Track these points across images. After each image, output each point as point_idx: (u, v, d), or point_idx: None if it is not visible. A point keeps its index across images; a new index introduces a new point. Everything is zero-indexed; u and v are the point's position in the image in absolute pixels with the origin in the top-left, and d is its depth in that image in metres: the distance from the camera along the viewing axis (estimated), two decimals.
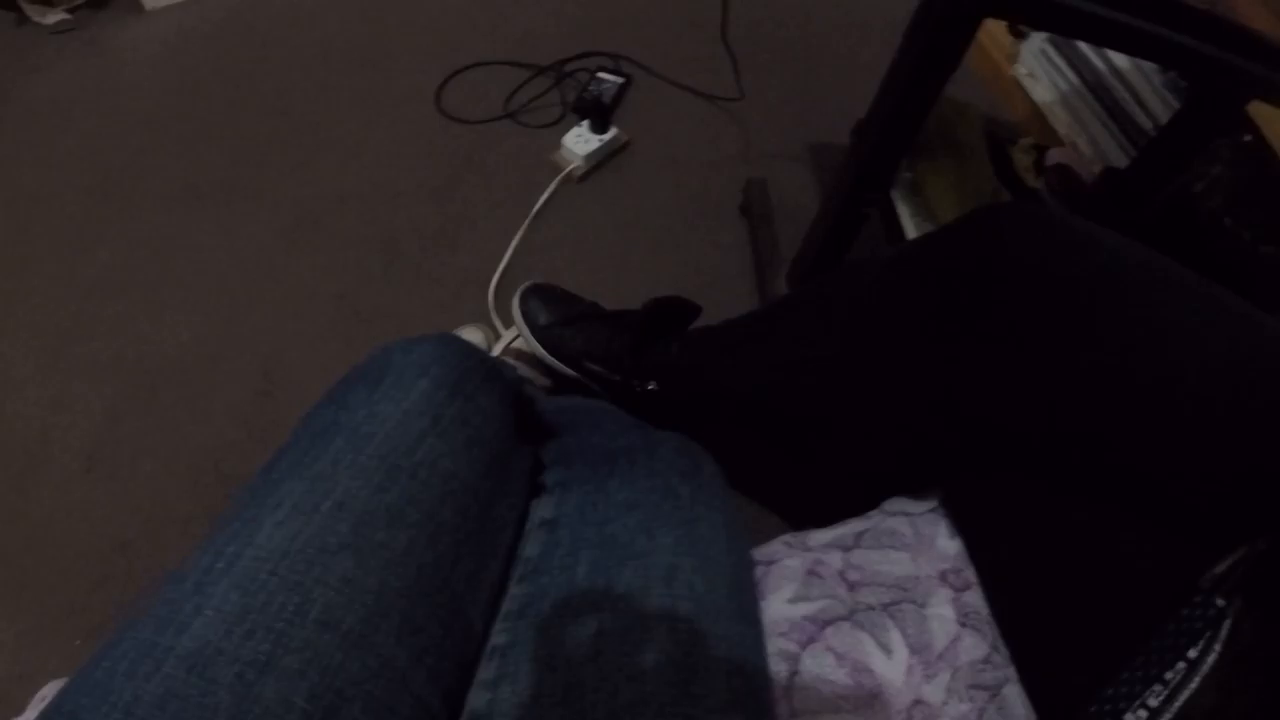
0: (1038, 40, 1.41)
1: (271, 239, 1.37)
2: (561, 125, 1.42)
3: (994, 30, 1.47)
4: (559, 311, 1.00)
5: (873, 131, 0.87)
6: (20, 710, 0.52)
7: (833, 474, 0.68)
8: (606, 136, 1.33)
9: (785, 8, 1.63)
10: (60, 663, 0.98)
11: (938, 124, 1.06)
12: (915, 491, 0.57)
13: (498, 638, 0.46)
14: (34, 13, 1.98)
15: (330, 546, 0.39)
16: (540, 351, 1.00)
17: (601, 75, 1.46)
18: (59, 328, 1.34)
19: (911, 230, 0.99)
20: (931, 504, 0.56)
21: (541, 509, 0.53)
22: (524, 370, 1.04)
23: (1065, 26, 0.80)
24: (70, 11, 1.99)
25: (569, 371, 0.99)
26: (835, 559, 0.54)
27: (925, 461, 0.57)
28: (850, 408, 0.62)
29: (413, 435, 0.45)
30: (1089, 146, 1.30)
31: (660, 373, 0.88)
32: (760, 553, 0.56)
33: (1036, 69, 1.41)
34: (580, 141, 1.32)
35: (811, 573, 0.53)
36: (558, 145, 1.34)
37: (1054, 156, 1.12)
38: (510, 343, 1.08)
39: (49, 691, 0.53)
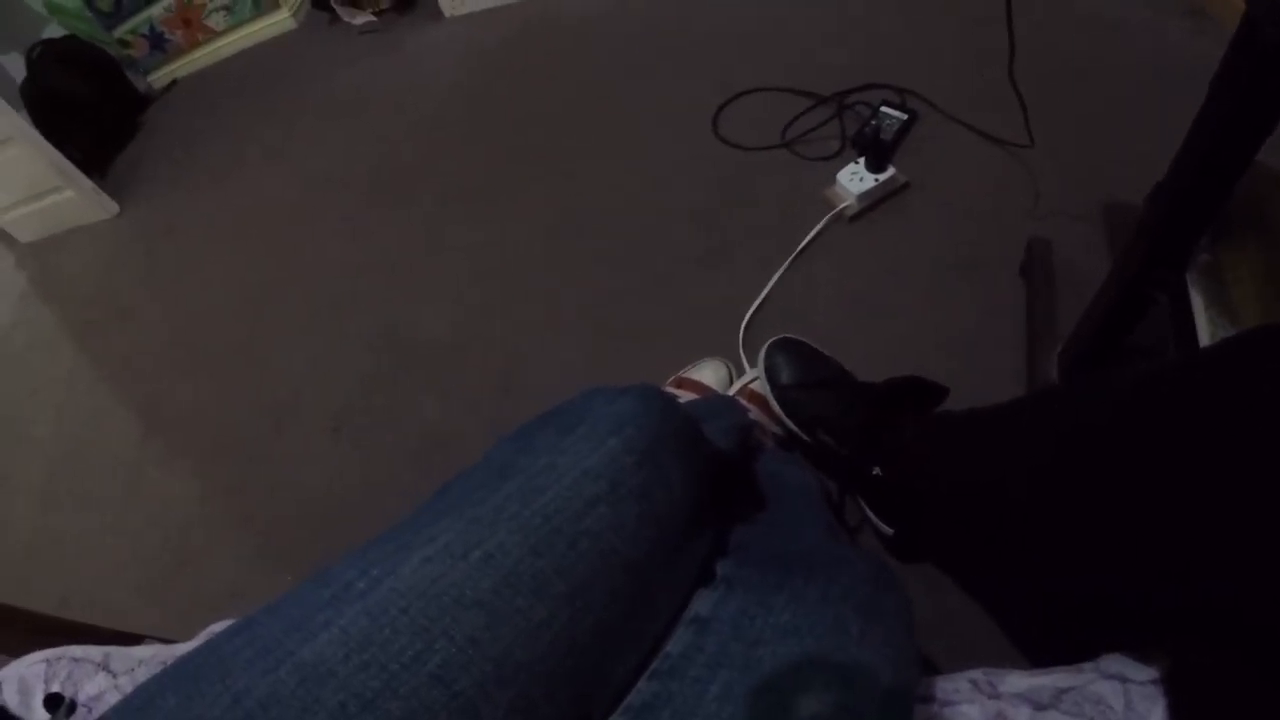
0: None
1: (534, 243, 1.42)
2: (838, 160, 1.40)
3: None
4: (802, 372, 0.99)
5: (1168, 200, 0.77)
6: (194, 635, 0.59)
7: (1055, 600, 0.63)
8: (884, 176, 1.27)
9: (1085, 46, 1.44)
10: (266, 595, 1.02)
11: (1247, 197, 0.91)
12: (1143, 653, 0.50)
13: None
14: (345, 14, 2.22)
15: (466, 600, 0.38)
16: (777, 410, 1.00)
17: (885, 110, 1.40)
18: (331, 300, 1.46)
19: (1203, 324, 0.89)
20: (1154, 674, 0.48)
21: (700, 603, 0.50)
22: (755, 414, 1.03)
23: None
24: (377, 14, 2.21)
25: (802, 435, 0.99)
26: (1023, 715, 0.47)
27: (1160, 618, 0.51)
28: (1088, 536, 0.56)
29: (584, 500, 0.43)
30: None
31: (889, 456, 0.86)
32: (942, 687, 0.51)
33: None
34: (855, 179, 1.27)
35: None
36: (832, 181, 1.31)
37: None
38: (748, 383, 1.07)
39: (216, 629, 0.57)
